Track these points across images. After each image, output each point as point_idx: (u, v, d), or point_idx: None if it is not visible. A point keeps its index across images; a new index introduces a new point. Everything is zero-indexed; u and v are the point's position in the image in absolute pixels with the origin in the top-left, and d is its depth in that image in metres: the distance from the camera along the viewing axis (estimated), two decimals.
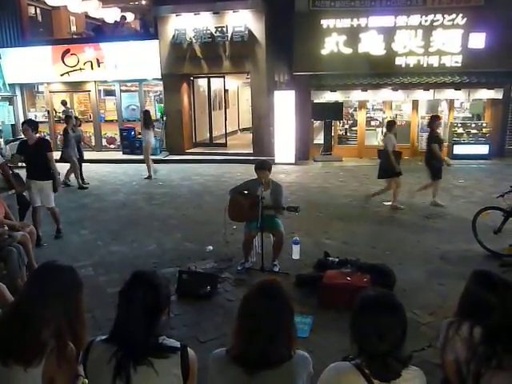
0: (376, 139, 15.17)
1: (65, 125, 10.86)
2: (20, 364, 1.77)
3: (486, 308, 2.02)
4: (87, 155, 15.01)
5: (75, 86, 15.94)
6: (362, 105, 14.50)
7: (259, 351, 1.76)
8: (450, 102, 14.18)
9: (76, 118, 12.26)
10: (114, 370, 1.77)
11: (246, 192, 5.27)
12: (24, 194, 6.62)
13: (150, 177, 11.60)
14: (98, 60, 14.85)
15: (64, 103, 15.49)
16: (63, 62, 15.07)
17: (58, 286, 1.93)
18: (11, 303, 2.27)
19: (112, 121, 16.01)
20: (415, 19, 12.96)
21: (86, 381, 1.89)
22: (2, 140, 14.37)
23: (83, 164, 11.21)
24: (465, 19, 12.76)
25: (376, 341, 1.73)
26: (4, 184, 6.11)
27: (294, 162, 13.46)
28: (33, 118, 12.87)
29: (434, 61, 13.12)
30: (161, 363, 1.80)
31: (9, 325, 1.85)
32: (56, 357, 1.82)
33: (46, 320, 1.84)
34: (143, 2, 18.66)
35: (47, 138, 16.17)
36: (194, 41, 13.88)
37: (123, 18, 16.44)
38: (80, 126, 11.91)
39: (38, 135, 6.78)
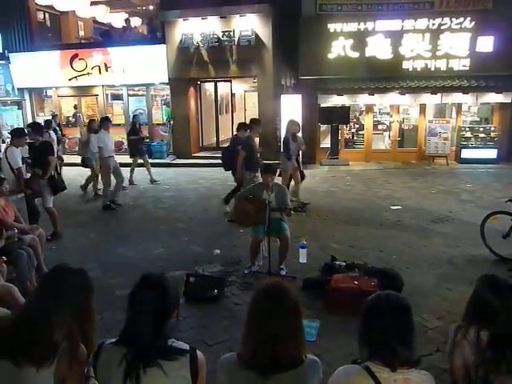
0: (383, 143, 15.16)
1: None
2: (32, 364, 1.79)
3: (491, 312, 2.02)
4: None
5: (83, 91, 16.07)
6: (369, 109, 14.48)
7: (270, 354, 1.76)
8: (458, 106, 14.13)
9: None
10: (124, 371, 1.78)
11: (251, 196, 5.29)
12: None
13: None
14: (105, 64, 14.96)
15: (75, 107, 15.99)
16: (71, 66, 15.20)
17: (70, 288, 1.95)
18: (22, 305, 2.30)
19: (119, 125, 16.08)
20: (423, 23, 12.93)
21: (97, 382, 1.91)
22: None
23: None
24: (473, 23, 12.72)
25: (386, 336, 1.75)
26: (16, 187, 6.16)
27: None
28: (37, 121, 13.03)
29: (441, 64, 13.08)
30: (170, 365, 1.81)
31: (21, 326, 1.87)
32: (68, 358, 1.84)
33: (57, 322, 1.86)
34: (150, 7, 18.81)
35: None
36: (201, 45, 13.93)
37: (127, 21, 16.55)
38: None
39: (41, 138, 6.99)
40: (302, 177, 9.00)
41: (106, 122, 9.23)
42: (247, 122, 8.56)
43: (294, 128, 8.69)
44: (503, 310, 1.99)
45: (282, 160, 8.64)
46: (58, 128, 12.26)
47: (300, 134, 8.96)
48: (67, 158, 15.66)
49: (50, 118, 16.07)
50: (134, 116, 12.31)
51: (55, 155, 7.37)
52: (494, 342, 1.95)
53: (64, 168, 13.76)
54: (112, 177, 9.14)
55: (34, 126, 7.23)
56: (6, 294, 3.91)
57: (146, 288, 1.89)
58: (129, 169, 11.19)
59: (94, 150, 9.53)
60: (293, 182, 8.80)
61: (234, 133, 8.25)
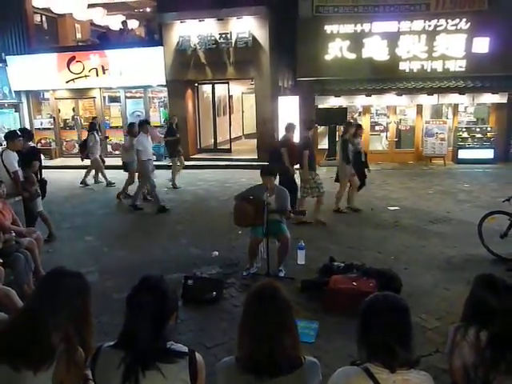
0: (380, 144, 15.18)
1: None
2: (30, 368, 1.79)
3: (489, 312, 2.02)
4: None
5: (81, 93, 16.08)
6: (366, 110, 14.51)
7: (267, 354, 1.75)
8: (455, 107, 14.18)
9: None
10: (123, 375, 1.77)
11: (251, 197, 5.29)
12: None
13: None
14: (103, 67, 14.96)
15: (74, 110, 16.31)
16: (69, 69, 15.20)
17: (66, 291, 1.95)
18: (20, 308, 2.29)
19: (117, 127, 16.10)
20: (419, 24, 13.00)
21: None
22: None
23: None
24: (468, 24, 12.78)
25: (384, 336, 1.75)
26: (13, 190, 6.14)
27: (298, 167, 13.42)
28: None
29: (437, 65, 13.15)
30: (169, 368, 1.80)
31: (18, 330, 1.87)
32: (65, 361, 1.83)
33: (54, 325, 1.86)
34: (148, 9, 18.80)
35: (52, 144, 16.44)
36: (198, 47, 13.96)
37: (124, 23, 16.55)
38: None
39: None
40: (363, 183, 8.58)
41: (145, 125, 9.16)
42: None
43: (353, 130, 8.34)
44: (501, 310, 1.99)
45: (340, 164, 8.25)
46: (98, 129, 12.18)
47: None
48: (65, 161, 15.72)
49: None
50: (171, 117, 12.18)
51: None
52: (493, 342, 1.96)
53: (64, 171, 13.81)
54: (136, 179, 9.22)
55: (25, 132, 7.25)
56: (4, 298, 3.90)
57: (144, 291, 1.88)
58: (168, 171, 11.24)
59: (135, 155, 9.30)
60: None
61: (284, 134, 8.27)
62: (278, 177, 7.94)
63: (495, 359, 1.91)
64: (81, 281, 2.05)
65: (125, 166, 10.04)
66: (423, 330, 4.00)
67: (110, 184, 11.58)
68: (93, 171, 11.82)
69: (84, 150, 11.53)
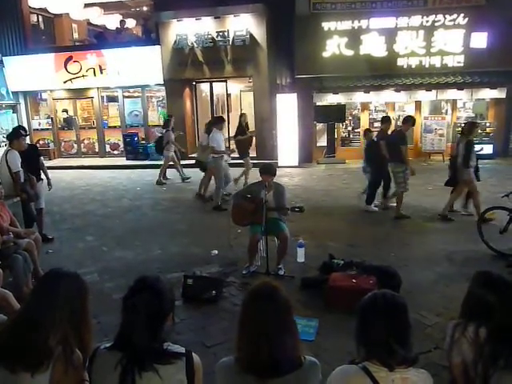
0: None
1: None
2: (27, 370, 1.78)
3: (487, 308, 2.02)
4: (90, 161, 15.20)
5: (78, 93, 16.05)
6: (365, 106, 14.49)
7: (266, 357, 1.74)
8: (453, 102, 14.15)
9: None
10: (120, 376, 1.77)
11: (249, 196, 5.27)
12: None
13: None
14: (100, 67, 14.93)
15: (66, 112, 16.38)
16: (66, 69, 15.17)
17: (64, 292, 1.94)
18: (18, 310, 2.28)
19: (115, 127, 16.10)
20: (416, 20, 12.97)
21: None
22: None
23: None
24: (466, 19, 12.76)
25: (382, 335, 1.74)
26: (11, 191, 6.12)
27: (297, 164, 13.46)
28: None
29: (436, 61, 13.12)
30: (166, 369, 1.79)
31: (16, 331, 1.86)
32: (63, 363, 1.82)
33: (52, 326, 1.85)
34: (144, 8, 18.77)
35: (51, 144, 16.42)
36: (195, 45, 13.93)
37: (123, 22, 16.50)
38: None
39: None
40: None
41: (219, 121, 9.16)
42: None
43: (477, 130, 7.59)
44: (499, 305, 1.99)
45: (462, 169, 7.21)
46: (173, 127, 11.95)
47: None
48: (63, 162, 15.70)
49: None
50: (242, 115, 11.31)
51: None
52: (492, 339, 1.95)
53: (63, 171, 13.78)
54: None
55: (23, 130, 7.14)
56: (1, 300, 3.89)
57: (140, 291, 1.87)
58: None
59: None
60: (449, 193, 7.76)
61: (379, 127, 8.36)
62: (374, 170, 8.10)
63: (494, 355, 1.91)
64: (78, 282, 2.04)
65: (201, 165, 9.88)
66: (423, 327, 4.00)
67: (185, 179, 11.63)
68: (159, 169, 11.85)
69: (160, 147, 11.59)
